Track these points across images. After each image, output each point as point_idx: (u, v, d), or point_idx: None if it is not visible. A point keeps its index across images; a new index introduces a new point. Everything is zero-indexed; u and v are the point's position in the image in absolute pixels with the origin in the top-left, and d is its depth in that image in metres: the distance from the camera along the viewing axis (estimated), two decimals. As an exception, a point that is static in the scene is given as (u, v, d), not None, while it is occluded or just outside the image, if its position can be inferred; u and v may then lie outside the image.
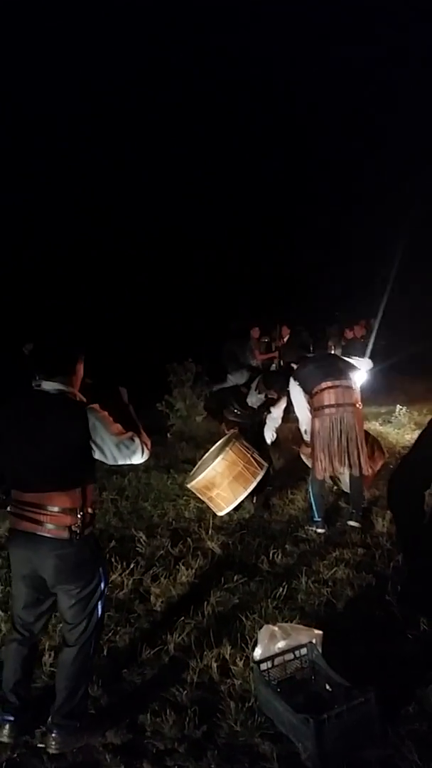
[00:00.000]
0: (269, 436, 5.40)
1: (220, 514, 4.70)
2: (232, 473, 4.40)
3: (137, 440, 2.56)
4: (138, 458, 2.59)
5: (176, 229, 20.23)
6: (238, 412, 5.39)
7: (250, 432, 5.26)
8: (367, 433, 5.25)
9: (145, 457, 2.61)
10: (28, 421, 2.52)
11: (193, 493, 5.69)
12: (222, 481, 4.43)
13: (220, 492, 4.47)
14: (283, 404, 5.33)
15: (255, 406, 5.32)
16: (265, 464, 4.74)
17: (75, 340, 2.71)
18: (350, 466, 4.75)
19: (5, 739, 2.62)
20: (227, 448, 4.50)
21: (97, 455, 2.53)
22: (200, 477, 4.51)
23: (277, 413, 5.37)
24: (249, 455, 4.57)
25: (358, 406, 4.84)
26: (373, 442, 5.26)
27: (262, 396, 5.27)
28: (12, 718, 2.64)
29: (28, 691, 2.71)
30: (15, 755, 2.57)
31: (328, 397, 4.75)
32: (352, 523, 4.88)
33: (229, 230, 20.85)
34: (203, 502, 5.49)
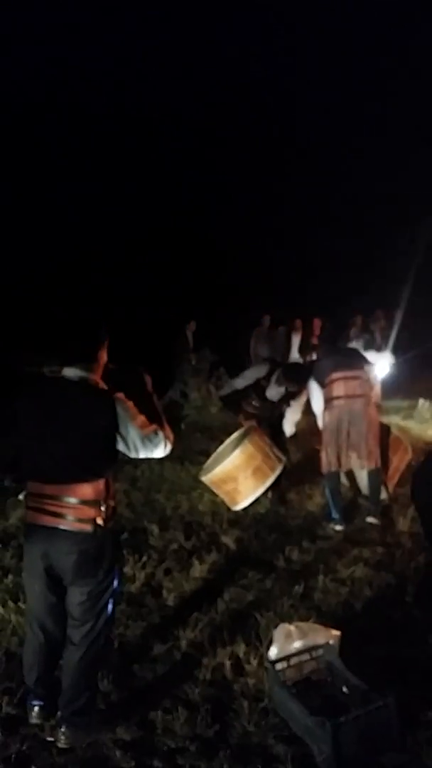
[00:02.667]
0: (288, 429, 5.31)
1: (236, 508, 4.62)
2: (251, 467, 4.30)
3: (161, 434, 2.49)
4: (160, 452, 2.52)
5: (196, 216, 20.18)
6: (257, 404, 5.30)
7: (268, 425, 5.17)
8: (389, 429, 5.14)
9: (168, 451, 2.54)
10: (52, 410, 2.45)
11: (206, 485, 5.63)
12: (240, 475, 4.34)
13: (237, 486, 4.39)
14: (303, 398, 5.24)
15: (275, 399, 5.21)
16: (284, 458, 4.65)
17: (99, 324, 2.62)
18: (359, 459, 4.67)
19: (36, 721, 2.60)
20: (246, 441, 4.41)
21: (120, 447, 2.45)
22: (217, 470, 4.43)
23: (297, 407, 5.28)
24: (268, 448, 4.49)
25: (370, 397, 4.76)
26: (395, 439, 5.14)
27: (282, 389, 5.17)
28: (41, 703, 2.60)
29: (52, 681, 2.65)
30: (24, 747, 2.53)
31: (337, 389, 4.71)
32: (370, 519, 4.78)
33: (249, 220, 20.72)
34: (217, 495, 5.42)
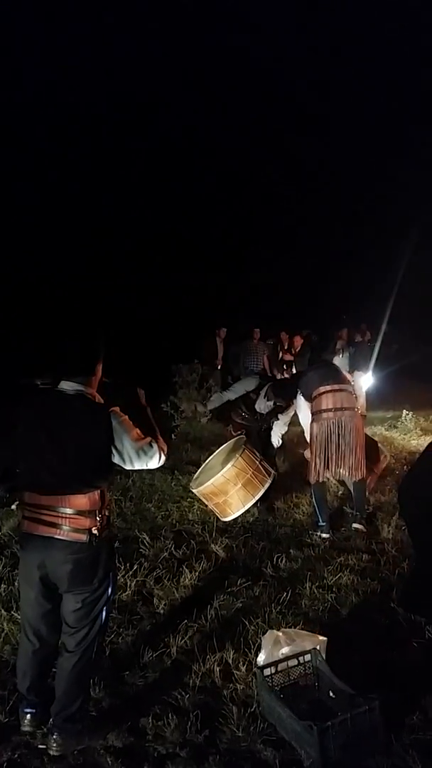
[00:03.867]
0: (276, 440, 5.41)
1: (226, 520, 4.67)
2: (241, 480, 4.36)
3: (155, 446, 2.54)
4: (155, 464, 2.57)
5: (184, 231, 20.28)
6: (246, 416, 5.38)
7: (256, 436, 5.25)
8: (367, 437, 5.23)
9: (162, 462, 2.59)
10: (49, 422, 2.49)
11: (196, 495, 5.68)
12: (230, 488, 4.40)
13: (227, 499, 4.44)
14: (291, 412, 5.33)
15: (263, 412, 5.31)
16: (273, 472, 4.72)
17: (98, 339, 2.67)
18: (348, 470, 4.75)
19: (28, 728, 2.62)
20: (237, 455, 4.48)
21: (115, 459, 2.50)
22: (209, 483, 4.48)
23: (285, 420, 5.39)
24: (258, 462, 4.55)
25: (357, 410, 4.85)
26: (372, 444, 5.24)
27: (270, 403, 5.26)
28: (33, 710, 2.63)
29: (46, 688, 2.68)
30: (16, 755, 2.56)
31: (326, 401, 4.78)
32: (356, 525, 4.86)
33: (236, 234, 20.88)
34: (207, 506, 5.47)
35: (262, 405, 5.28)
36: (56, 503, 2.46)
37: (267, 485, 4.51)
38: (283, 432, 5.44)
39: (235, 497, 4.39)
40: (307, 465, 5.49)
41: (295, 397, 5.09)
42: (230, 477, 4.37)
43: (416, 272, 15.00)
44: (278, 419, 5.35)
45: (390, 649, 3.18)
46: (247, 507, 4.49)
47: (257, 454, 4.67)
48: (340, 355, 9.97)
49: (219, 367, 10.98)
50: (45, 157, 21.27)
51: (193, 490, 4.64)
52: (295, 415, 5.35)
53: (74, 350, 2.60)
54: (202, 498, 4.69)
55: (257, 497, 4.48)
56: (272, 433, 5.39)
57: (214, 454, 4.87)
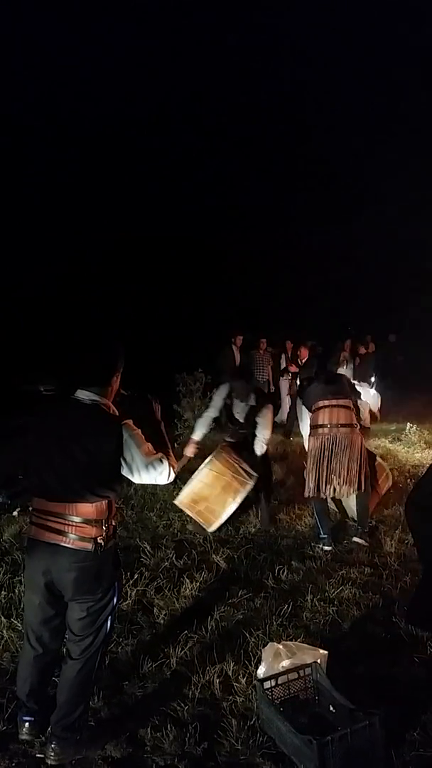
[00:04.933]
0: (259, 448, 5.17)
1: (210, 530, 4.62)
2: (220, 484, 4.33)
3: (165, 462, 2.54)
4: (164, 480, 2.57)
5: (187, 238, 20.37)
6: (233, 431, 5.25)
7: (243, 448, 5.13)
8: (373, 456, 5.19)
9: (171, 479, 2.59)
10: (61, 429, 2.51)
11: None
12: (209, 493, 4.35)
13: (209, 504, 4.40)
14: (269, 414, 5.22)
15: (242, 418, 5.18)
16: (255, 474, 4.63)
17: (117, 351, 2.69)
18: (341, 484, 4.72)
19: (26, 737, 2.62)
20: (213, 458, 4.44)
21: (123, 471, 2.51)
22: (187, 490, 4.44)
23: (264, 422, 5.16)
24: (237, 465, 4.51)
25: (356, 426, 4.81)
26: (378, 466, 5.21)
27: (243, 404, 5.16)
28: (31, 719, 2.62)
29: (45, 696, 2.68)
30: (14, 764, 2.55)
31: (323, 417, 4.79)
32: (356, 539, 4.84)
33: (240, 242, 20.95)
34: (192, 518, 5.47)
35: (239, 409, 5.17)
36: (63, 510, 2.47)
37: (248, 488, 4.47)
38: (267, 436, 5.21)
39: (216, 502, 4.34)
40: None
41: (298, 405, 5.09)
42: (208, 481, 4.33)
43: (424, 283, 15.01)
44: (258, 424, 5.16)
45: (391, 664, 3.16)
46: (229, 512, 4.42)
47: (236, 457, 4.61)
48: (344, 367, 9.97)
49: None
50: (52, 162, 21.45)
51: (176, 503, 4.59)
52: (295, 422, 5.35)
53: (93, 361, 2.62)
54: (185, 510, 4.65)
55: (238, 501, 4.43)
56: (256, 441, 5.17)
57: (197, 470, 4.78)
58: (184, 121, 23.62)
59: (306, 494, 4.88)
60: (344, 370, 9.75)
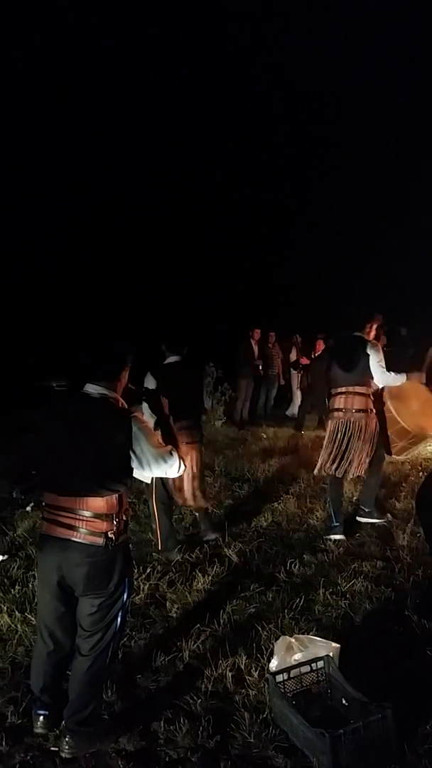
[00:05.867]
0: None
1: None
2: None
3: (175, 455, 2.55)
4: (174, 472, 2.58)
5: (198, 233, 20.33)
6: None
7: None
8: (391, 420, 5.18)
9: (181, 471, 2.60)
10: (72, 424, 2.52)
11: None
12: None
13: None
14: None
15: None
16: None
17: (127, 345, 2.69)
18: (351, 468, 4.92)
19: (40, 730, 2.64)
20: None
21: (133, 464, 2.51)
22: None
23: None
24: None
25: (369, 411, 4.95)
26: (391, 419, 5.20)
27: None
28: (46, 712, 2.65)
29: (59, 690, 2.70)
30: (28, 757, 2.57)
31: (339, 402, 5.00)
32: (359, 518, 5.08)
33: (250, 235, 20.89)
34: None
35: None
36: (74, 505, 2.48)
37: None
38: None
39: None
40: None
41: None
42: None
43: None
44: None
45: (404, 658, 3.15)
46: None
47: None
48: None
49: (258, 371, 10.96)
50: (54, 151, 21.42)
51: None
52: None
53: (103, 354, 2.64)
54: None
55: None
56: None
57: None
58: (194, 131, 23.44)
59: (316, 471, 5.12)
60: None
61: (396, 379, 5.02)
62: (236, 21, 24.48)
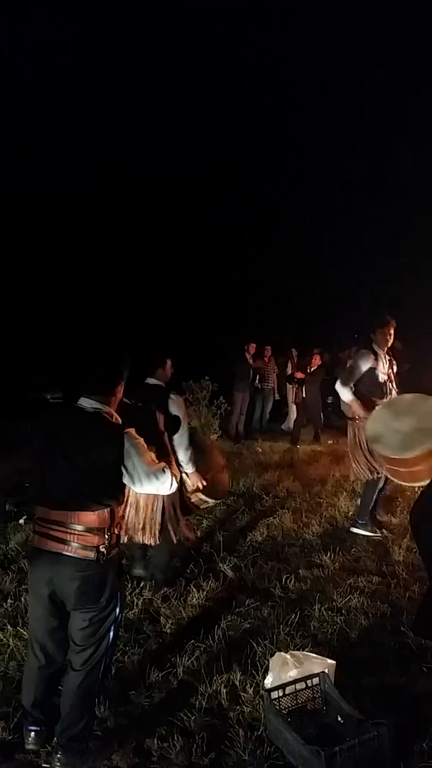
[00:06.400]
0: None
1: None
2: None
3: (168, 472, 2.54)
4: (166, 490, 2.57)
5: (194, 246, 20.41)
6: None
7: None
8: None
9: (173, 489, 2.59)
10: (63, 437, 2.52)
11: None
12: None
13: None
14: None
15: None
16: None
17: (122, 360, 2.69)
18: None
19: (32, 747, 2.60)
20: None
21: (125, 480, 2.50)
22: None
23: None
24: None
25: (352, 419, 5.24)
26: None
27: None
28: (37, 728, 2.61)
29: (51, 705, 2.66)
30: (19, 774, 2.54)
31: (357, 410, 5.18)
32: (353, 528, 5.26)
33: (245, 249, 20.97)
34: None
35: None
36: (65, 519, 2.47)
37: None
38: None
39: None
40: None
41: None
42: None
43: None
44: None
45: (400, 674, 3.13)
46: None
47: None
48: None
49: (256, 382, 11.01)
50: (54, 157, 21.46)
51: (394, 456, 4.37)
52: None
53: (97, 368, 2.63)
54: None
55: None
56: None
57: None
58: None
59: (352, 477, 5.44)
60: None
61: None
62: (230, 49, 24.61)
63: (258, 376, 11.20)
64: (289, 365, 11.68)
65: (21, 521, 5.21)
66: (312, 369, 10.42)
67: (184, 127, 23.52)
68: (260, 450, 9.21)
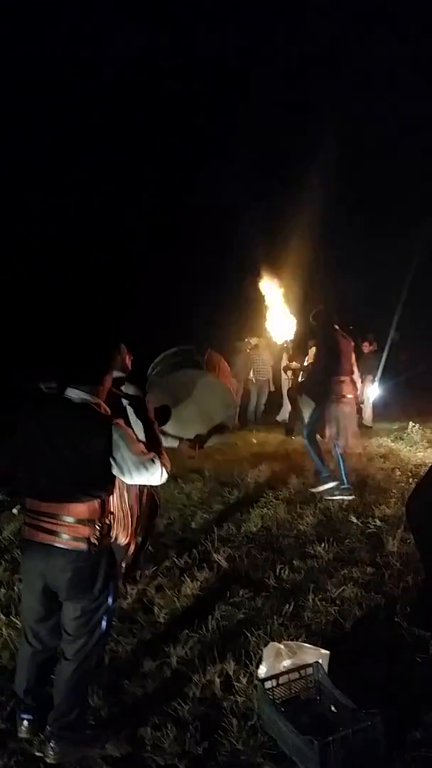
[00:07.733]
0: None
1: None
2: None
3: (158, 462, 2.52)
4: (156, 480, 2.55)
5: (190, 239, 20.30)
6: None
7: None
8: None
9: (164, 479, 2.57)
10: (51, 428, 2.49)
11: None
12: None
13: None
14: None
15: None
16: None
17: (109, 350, 2.66)
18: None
19: (24, 736, 2.61)
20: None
21: (115, 471, 2.48)
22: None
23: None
24: None
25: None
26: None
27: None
28: (30, 717, 2.61)
29: (44, 693, 2.66)
30: (12, 762, 2.53)
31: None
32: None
33: (242, 238, 20.86)
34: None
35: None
36: (56, 511, 2.45)
37: None
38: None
39: None
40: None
41: None
42: None
43: (428, 280, 14.94)
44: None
45: (393, 664, 3.14)
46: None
47: None
48: None
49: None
50: (51, 156, 21.30)
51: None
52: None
53: (84, 359, 2.60)
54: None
55: None
56: None
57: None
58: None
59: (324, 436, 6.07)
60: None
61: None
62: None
63: (253, 368, 11.18)
64: (285, 356, 11.65)
65: (14, 511, 5.19)
66: (308, 360, 10.41)
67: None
68: (255, 441, 9.20)
